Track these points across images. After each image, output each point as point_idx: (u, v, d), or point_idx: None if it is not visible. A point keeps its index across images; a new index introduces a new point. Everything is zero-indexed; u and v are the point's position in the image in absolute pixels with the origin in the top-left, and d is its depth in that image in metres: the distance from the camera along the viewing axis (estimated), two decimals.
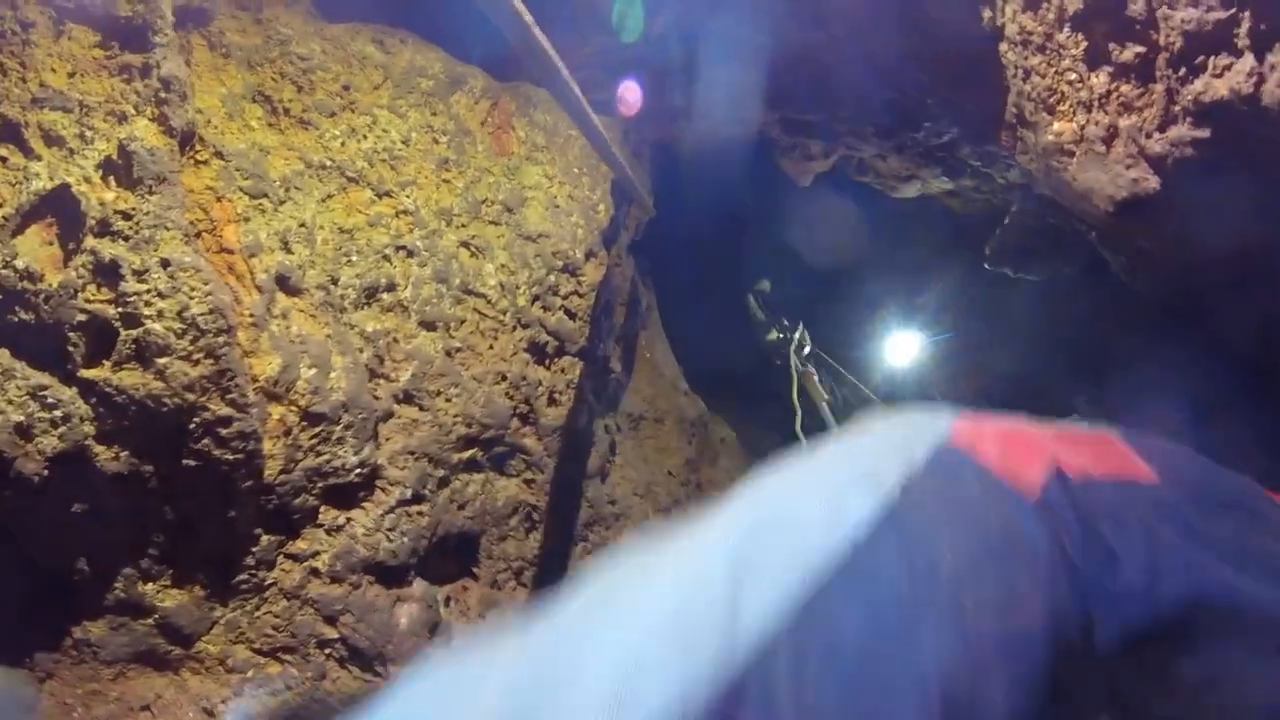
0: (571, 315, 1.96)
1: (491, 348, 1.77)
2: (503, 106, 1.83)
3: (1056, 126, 1.31)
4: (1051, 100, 1.30)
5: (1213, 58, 1.07)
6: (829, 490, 0.60)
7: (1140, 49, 1.15)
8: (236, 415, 1.34)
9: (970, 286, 2.90)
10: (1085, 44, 1.21)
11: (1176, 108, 1.15)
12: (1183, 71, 1.12)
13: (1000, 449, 0.68)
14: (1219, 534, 0.70)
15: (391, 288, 1.65)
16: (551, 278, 1.86)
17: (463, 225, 1.78)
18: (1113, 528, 0.65)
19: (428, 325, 1.69)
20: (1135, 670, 0.66)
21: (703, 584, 0.52)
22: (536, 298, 1.84)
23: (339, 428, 1.51)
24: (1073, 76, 1.25)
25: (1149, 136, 1.19)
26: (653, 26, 1.84)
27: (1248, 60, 1.02)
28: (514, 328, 1.81)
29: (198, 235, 1.57)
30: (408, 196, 1.71)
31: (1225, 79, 1.06)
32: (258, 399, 1.39)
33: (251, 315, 1.46)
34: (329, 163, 1.66)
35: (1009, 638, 0.57)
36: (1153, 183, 1.21)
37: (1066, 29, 1.22)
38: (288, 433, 1.47)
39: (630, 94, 1.99)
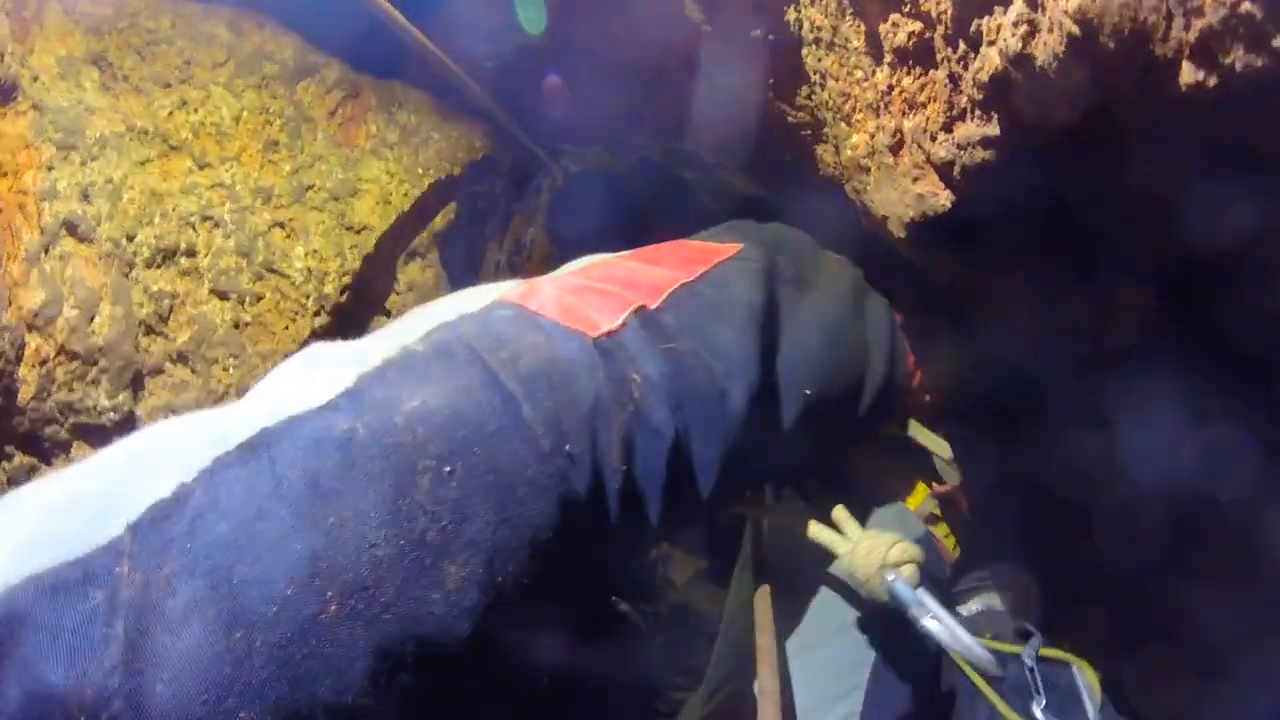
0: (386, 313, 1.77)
1: (287, 328, 1.69)
2: (362, 100, 1.78)
3: (853, 139, 1.04)
4: (846, 107, 1.04)
5: (985, 19, 0.80)
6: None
7: (914, 27, 0.89)
8: None
9: None
10: (864, 30, 0.97)
11: (963, 98, 0.87)
12: (961, 48, 0.84)
13: (560, 301, 0.75)
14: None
15: (191, 253, 1.69)
16: (366, 270, 1.69)
17: (282, 206, 1.70)
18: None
19: (220, 295, 1.71)
20: None
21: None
22: (346, 288, 1.67)
23: (95, 369, 1.63)
24: (859, 74, 1.00)
25: (934, 139, 0.90)
26: None
27: (1017, 6, 0.75)
28: (315, 313, 1.63)
29: (2, 175, 1.60)
30: (227, 171, 1.66)
31: (997, 44, 0.78)
32: (16, 325, 1.61)
33: (26, 251, 1.64)
34: (152, 129, 1.63)
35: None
36: (942, 198, 0.91)
37: (849, 16, 0.99)
38: (43, 363, 1.62)
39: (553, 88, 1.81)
